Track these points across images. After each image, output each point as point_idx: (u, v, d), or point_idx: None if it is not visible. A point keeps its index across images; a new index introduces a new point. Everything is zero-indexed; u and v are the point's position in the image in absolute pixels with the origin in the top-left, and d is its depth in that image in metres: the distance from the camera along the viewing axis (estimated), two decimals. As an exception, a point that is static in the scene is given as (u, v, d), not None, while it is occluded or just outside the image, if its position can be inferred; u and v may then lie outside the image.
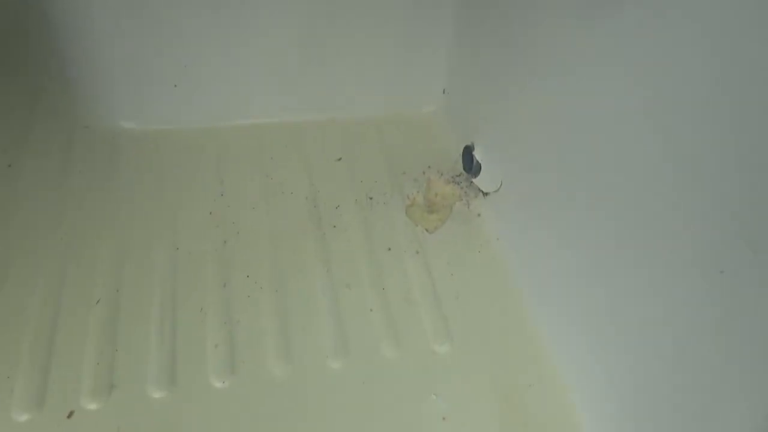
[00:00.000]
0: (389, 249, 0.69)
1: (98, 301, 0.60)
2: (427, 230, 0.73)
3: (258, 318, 0.61)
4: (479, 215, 0.74)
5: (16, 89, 0.80)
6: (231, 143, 0.79)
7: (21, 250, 0.64)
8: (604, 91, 0.50)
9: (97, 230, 0.67)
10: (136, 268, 0.64)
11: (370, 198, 0.75)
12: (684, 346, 0.43)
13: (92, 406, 0.52)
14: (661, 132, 0.43)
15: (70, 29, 0.75)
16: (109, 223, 0.68)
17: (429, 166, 0.80)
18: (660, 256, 0.45)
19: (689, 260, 0.42)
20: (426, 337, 0.61)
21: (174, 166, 0.75)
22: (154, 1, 0.72)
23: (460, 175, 0.78)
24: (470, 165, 0.75)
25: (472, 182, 0.76)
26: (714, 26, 0.38)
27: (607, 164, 0.50)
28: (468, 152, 0.75)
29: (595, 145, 0.52)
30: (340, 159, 0.80)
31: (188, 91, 0.79)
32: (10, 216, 0.68)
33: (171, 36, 0.75)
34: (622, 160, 0.48)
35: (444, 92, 0.86)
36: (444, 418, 0.55)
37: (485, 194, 0.75)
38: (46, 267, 0.63)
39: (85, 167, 0.74)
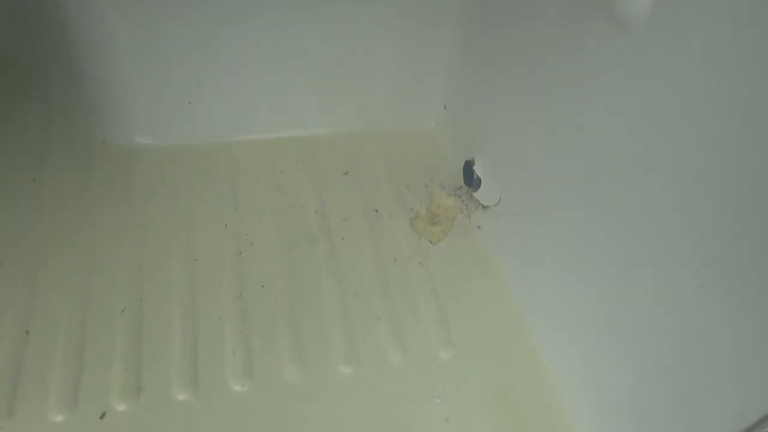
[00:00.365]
0: (395, 260, 0.74)
1: (123, 310, 0.64)
2: (430, 242, 0.77)
3: (273, 326, 0.65)
4: (479, 227, 0.79)
5: (36, 106, 0.84)
6: (243, 158, 0.83)
7: (46, 261, 0.68)
8: (602, 106, 0.54)
9: (118, 242, 0.71)
10: (156, 279, 0.68)
11: (376, 210, 0.80)
12: (679, 354, 0.46)
13: (122, 408, 0.56)
14: (659, 148, 0.46)
15: (87, 48, 0.78)
16: (129, 235, 0.72)
17: (431, 180, 0.84)
18: (651, 269, 0.49)
19: (678, 273, 0.46)
20: (430, 344, 0.65)
21: (189, 181, 0.79)
22: (168, 21, 0.75)
23: (461, 188, 0.82)
24: (471, 179, 0.79)
25: (472, 195, 0.81)
26: (718, 37, 0.41)
27: (602, 177, 0.54)
28: (468, 167, 0.80)
29: (591, 161, 0.56)
30: (346, 173, 0.84)
31: (201, 107, 0.83)
32: (34, 228, 0.71)
33: (185, 55, 0.79)
34: (618, 173, 0.52)
35: (445, 108, 0.91)
36: (447, 420, 0.60)
37: (485, 207, 0.79)
38: (72, 277, 0.67)
39: (103, 182, 0.78)
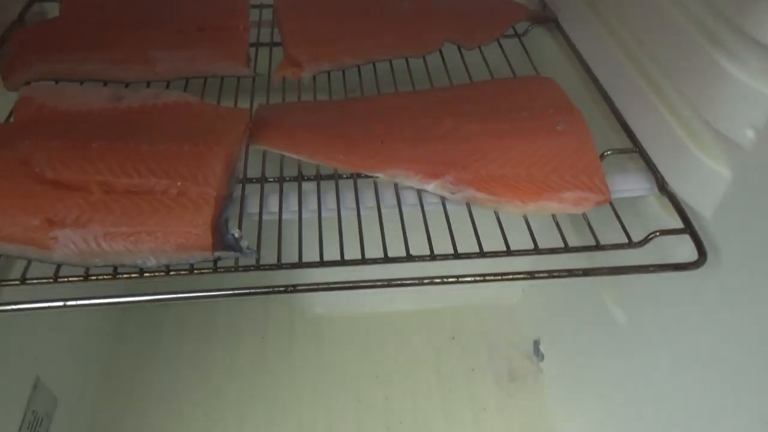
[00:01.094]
0: (484, 409, 1.14)
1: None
2: (508, 394, 1.16)
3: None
4: (543, 386, 1.17)
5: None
6: (387, 325, 1.28)
7: (272, 393, 1.16)
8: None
9: (314, 383, 1.17)
10: (342, 412, 1.13)
11: (473, 369, 1.20)
12: None
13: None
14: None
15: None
16: (321, 380, 1.18)
17: (512, 344, 1.24)
18: None
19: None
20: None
21: (351, 340, 1.25)
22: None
23: (532, 352, 1.21)
24: (537, 353, 1.18)
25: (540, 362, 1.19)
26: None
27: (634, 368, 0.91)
28: (536, 344, 1.19)
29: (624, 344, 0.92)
30: (453, 338, 1.26)
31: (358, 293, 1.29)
32: (263, 370, 1.20)
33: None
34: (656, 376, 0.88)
35: (522, 290, 1.30)
36: None
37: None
38: (288, 402, 1.13)
39: (302, 339, 1.26)
